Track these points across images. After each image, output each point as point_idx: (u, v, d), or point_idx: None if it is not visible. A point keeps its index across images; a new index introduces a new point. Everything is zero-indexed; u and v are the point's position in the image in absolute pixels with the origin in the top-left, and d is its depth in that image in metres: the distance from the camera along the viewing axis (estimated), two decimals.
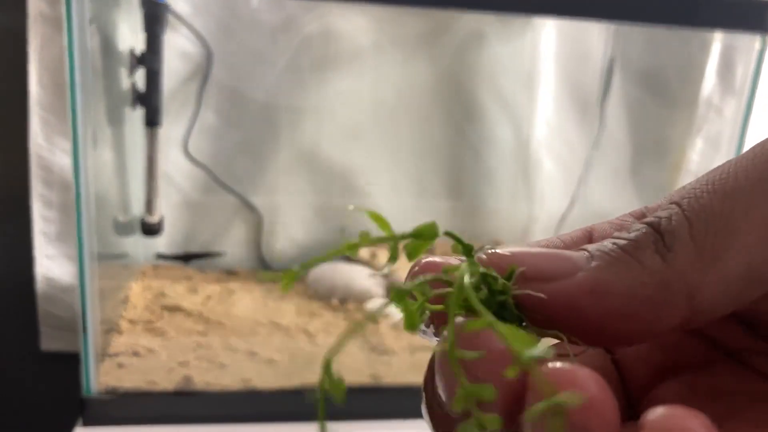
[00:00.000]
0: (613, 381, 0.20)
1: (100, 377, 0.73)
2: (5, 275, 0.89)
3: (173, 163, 0.93)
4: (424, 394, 0.19)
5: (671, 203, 0.17)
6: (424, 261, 0.18)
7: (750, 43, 0.95)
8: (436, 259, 0.18)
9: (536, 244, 0.20)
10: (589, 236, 0.21)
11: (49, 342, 0.88)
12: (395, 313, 0.17)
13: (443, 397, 0.16)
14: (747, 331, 0.19)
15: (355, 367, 0.79)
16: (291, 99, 0.95)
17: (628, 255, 0.16)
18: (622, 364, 0.20)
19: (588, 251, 0.17)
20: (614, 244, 0.17)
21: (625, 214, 0.21)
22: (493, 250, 0.17)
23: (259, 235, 1.00)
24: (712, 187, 0.16)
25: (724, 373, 0.19)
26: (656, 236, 0.16)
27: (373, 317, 0.17)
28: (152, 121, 0.86)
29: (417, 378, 0.78)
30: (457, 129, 0.98)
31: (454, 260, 0.18)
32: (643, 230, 0.17)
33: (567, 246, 0.21)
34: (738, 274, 0.16)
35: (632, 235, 0.17)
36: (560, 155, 1.01)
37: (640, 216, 0.21)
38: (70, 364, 0.76)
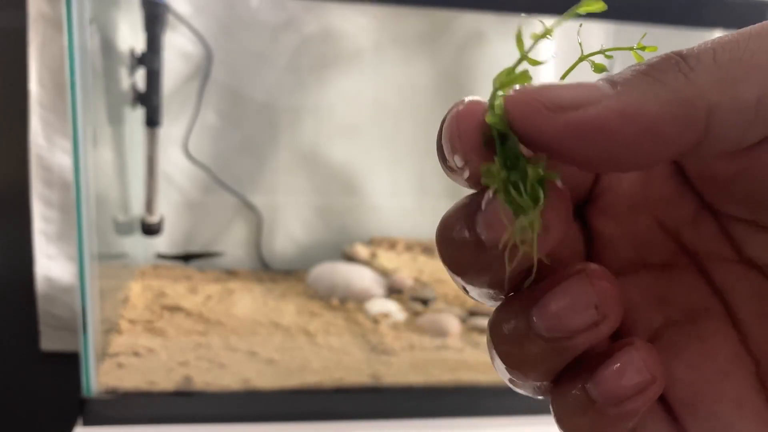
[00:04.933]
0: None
1: (100, 377, 0.73)
2: (5, 275, 0.89)
3: (173, 162, 0.93)
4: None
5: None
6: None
7: None
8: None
9: None
10: None
11: (49, 342, 0.88)
12: None
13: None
14: (719, 234, 0.20)
15: (355, 367, 0.79)
16: (291, 99, 0.95)
17: (650, 77, 0.17)
18: (594, 256, 0.21)
19: (611, 79, 0.17)
20: (635, 70, 0.17)
21: None
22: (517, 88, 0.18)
23: (259, 235, 1.00)
24: (737, 30, 0.17)
25: (680, 281, 0.20)
26: (678, 59, 0.17)
27: None
28: (152, 120, 0.86)
29: (417, 378, 0.78)
30: None
31: None
32: (664, 55, 0.17)
33: None
34: (751, 102, 0.16)
35: (653, 60, 0.17)
36: None
37: None
38: (69, 364, 0.76)
